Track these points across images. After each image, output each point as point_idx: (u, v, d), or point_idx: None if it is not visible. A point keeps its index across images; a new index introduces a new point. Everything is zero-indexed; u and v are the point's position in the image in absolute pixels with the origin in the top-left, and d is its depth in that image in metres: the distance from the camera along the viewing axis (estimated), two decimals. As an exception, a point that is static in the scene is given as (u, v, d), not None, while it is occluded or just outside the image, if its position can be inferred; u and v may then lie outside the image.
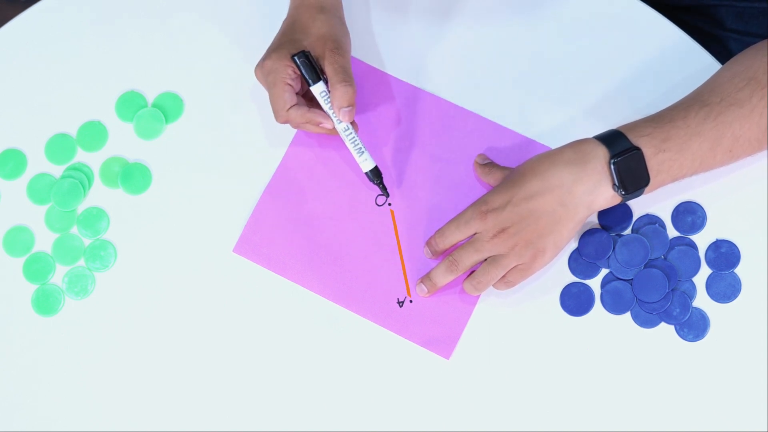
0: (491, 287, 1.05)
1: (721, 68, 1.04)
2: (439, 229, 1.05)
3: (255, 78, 1.08)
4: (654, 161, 0.99)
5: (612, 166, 0.99)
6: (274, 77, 1.05)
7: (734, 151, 1.01)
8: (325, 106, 1.06)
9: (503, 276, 1.04)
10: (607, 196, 1.00)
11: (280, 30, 1.09)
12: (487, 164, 1.08)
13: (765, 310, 1.05)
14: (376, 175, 1.08)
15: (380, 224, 1.10)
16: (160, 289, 1.11)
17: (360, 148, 1.06)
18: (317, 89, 1.05)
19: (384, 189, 1.09)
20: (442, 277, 1.05)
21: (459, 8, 1.15)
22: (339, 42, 1.06)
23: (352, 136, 1.06)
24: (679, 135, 0.99)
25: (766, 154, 1.07)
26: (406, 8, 1.16)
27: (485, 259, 1.04)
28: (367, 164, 1.07)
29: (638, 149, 0.99)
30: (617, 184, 0.99)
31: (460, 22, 1.15)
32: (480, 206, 1.02)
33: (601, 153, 0.99)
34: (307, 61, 1.05)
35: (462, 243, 1.04)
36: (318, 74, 1.05)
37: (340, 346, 1.08)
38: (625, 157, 0.98)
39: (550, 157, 1.01)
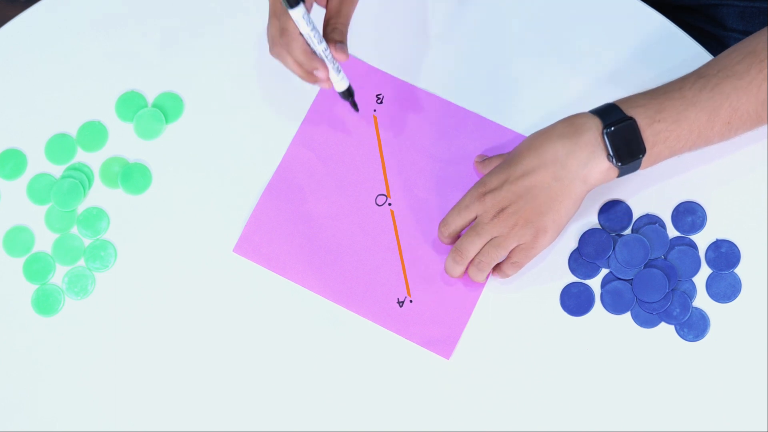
0: (505, 276, 1.05)
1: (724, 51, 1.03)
2: (443, 218, 1.06)
3: (254, 79, 1.08)
4: (649, 132, 0.98)
5: (605, 137, 0.98)
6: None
7: (732, 123, 1.00)
8: (306, 29, 0.99)
9: (508, 257, 1.03)
10: (602, 168, 0.99)
11: None
12: (485, 159, 1.09)
13: (765, 310, 1.05)
14: (350, 93, 1.07)
15: (380, 224, 1.10)
16: (160, 289, 1.11)
17: (338, 68, 1.04)
18: (297, 13, 0.97)
19: (354, 105, 1.08)
20: (453, 270, 1.06)
21: (458, 8, 1.15)
22: None
23: (329, 56, 1.02)
24: (675, 105, 0.99)
25: (766, 154, 1.07)
26: (406, 7, 1.16)
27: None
28: (342, 84, 1.05)
29: (632, 119, 0.98)
30: (611, 154, 0.98)
31: (459, 22, 1.15)
32: (478, 188, 1.02)
33: (594, 124, 0.99)
34: None
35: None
36: None
37: (340, 346, 1.08)
38: (619, 126, 0.98)
39: (544, 133, 1.01)
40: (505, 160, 1.03)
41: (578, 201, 1.01)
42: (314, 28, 0.99)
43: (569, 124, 1.00)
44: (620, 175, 1.00)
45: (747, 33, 1.08)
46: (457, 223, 1.04)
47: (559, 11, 1.13)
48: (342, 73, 1.04)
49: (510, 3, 1.14)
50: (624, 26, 1.12)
